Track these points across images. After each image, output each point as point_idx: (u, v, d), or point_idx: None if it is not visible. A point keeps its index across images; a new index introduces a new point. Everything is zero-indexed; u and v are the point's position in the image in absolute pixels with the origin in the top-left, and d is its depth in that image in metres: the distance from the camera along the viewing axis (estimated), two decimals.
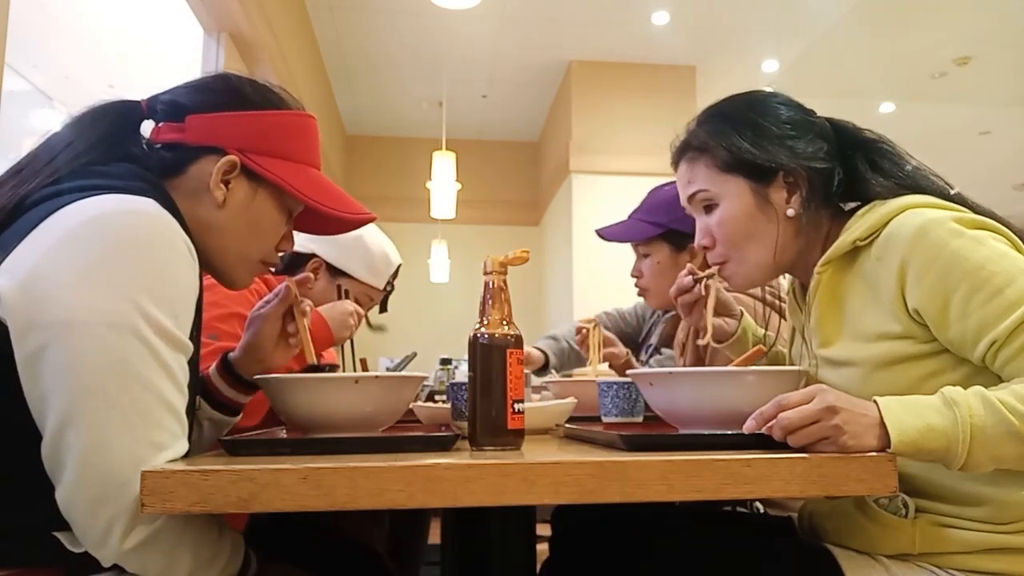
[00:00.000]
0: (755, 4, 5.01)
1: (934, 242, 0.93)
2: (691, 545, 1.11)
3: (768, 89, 1.18)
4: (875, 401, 0.85)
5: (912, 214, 0.97)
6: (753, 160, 1.09)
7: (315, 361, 1.13)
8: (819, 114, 1.16)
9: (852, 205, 1.11)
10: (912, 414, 0.84)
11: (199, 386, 1.05)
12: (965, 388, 0.88)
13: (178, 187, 0.97)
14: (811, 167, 1.09)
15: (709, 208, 1.14)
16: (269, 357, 1.11)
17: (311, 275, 1.18)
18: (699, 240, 1.16)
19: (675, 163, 1.20)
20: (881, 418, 0.83)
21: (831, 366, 1.05)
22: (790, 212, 1.09)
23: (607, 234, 1.82)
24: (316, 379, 0.95)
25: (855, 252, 1.03)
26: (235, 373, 1.11)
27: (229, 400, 1.12)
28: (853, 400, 0.83)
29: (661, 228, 1.75)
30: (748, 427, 0.83)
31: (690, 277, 1.27)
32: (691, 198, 1.16)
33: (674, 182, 1.78)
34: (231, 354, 1.12)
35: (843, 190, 1.11)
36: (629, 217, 1.83)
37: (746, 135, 1.09)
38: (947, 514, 0.95)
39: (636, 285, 1.84)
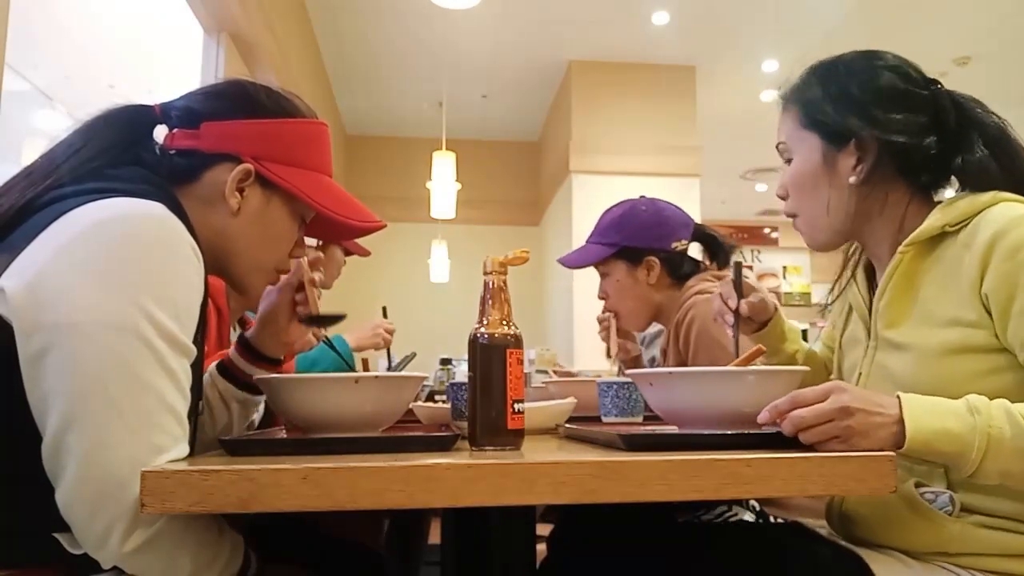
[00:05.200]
0: (755, 4, 5.01)
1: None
2: (689, 543, 1.11)
3: (883, 51, 1.14)
4: (899, 396, 0.84)
5: (1009, 206, 0.97)
6: (825, 121, 1.10)
7: (318, 312, 1.13)
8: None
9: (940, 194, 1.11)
10: (932, 415, 0.84)
11: (202, 388, 1.05)
12: (1022, 389, 0.89)
13: (191, 194, 0.97)
14: (887, 139, 1.05)
15: (788, 160, 1.16)
16: (284, 330, 1.12)
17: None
18: (777, 190, 1.19)
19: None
20: (900, 415, 0.83)
21: (892, 349, 1.04)
22: (851, 180, 1.08)
23: (566, 261, 1.86)
24: (316, 379, 0.96)
25: (939, 238, 1.02)
26: (254, 350, 1.12)
27: (251, 378, 1.12)
28: (869, 399, 0.83)
29: (614, 247, 1.78)
30: (762, 418, 0.83)
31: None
32: (777, 147, 1.18)
33: (626, 201, 1.84)
34: (248, 333, 1.14)
35: (937, 167, 1.07)
36: (587, 241, 1.86)
37: (828, 96, 1.10)
38: (993, 512, 0.94)
39: (605, 308, 1.86)
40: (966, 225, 0.99)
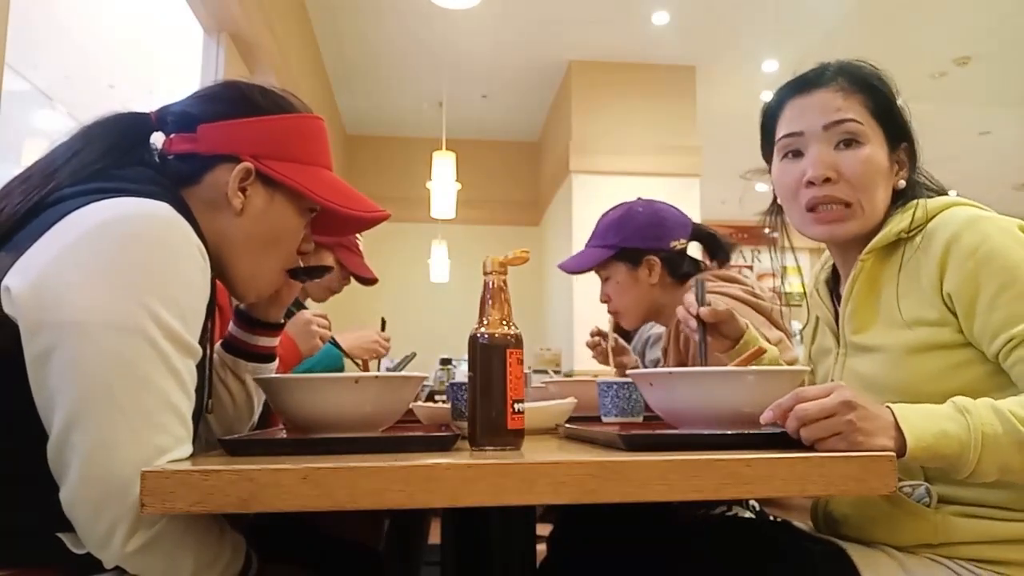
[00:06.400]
0: (755, 4, 5.01)
1: (982, 232, 0.96)
2: (691, 544, 1.11)
3: None
4: (888, 407, 0.85)
5: (961, 209, 1.02)
6: (893, 120, 1.10)
7: (300, 264, 1.12)
8: None
9: None
10: (926, 419, 0.85)
11: (209, 389, 1.05)
12: (992, 381, 0.92)
13: (194, 197, 0.97)
14: (915, 151, 1.12)
15: (846, 143, 1.08)
16: (278, 295, 1.11)
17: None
18: (821, 172, 1.06)
19: (808, 86, 1.12)
20: (896, 422, 0.83)
21: (862, 353, 1.07)
22: (902, 184, 1.11)
23: (566, 267, 1.85)
24: (316, 379, 0.95)
25: (896, 244, 1.06)
26: (252, 318, 1.12)
27: (258, 347, 1.12)
28: (869, 400, 0.83)
29: (613, 249, 1.78)
30: (765, 418, 0.83)
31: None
32: (834, 124, 1.08)
33: (622, 204, 1.82)
34: (241, 305, 1.13)
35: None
36: (585, 246, 1.86)
37: (892, 96, 1.12)
38: (969, 501, 0.96)
39: (608, 311, 1.86)
40: (921, 229, 1.03)
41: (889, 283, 1.05)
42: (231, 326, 1.14)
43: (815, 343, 1.23)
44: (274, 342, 1.15)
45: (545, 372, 5.08)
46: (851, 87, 1.10)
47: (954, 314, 0.97)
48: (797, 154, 1.11)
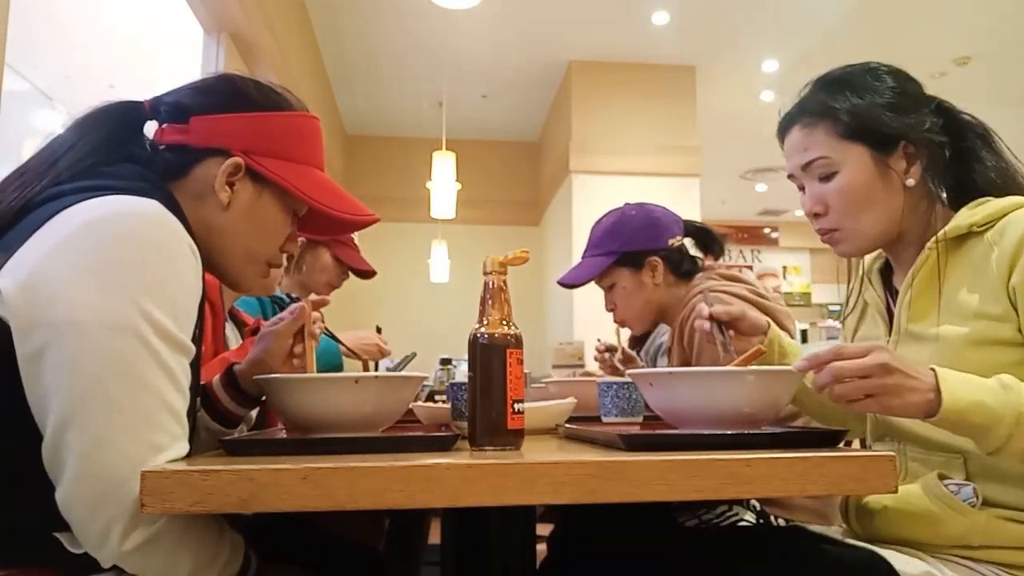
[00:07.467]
0: (755, 4, 5.01)
1: None
2: (692, 544, 1.11)
3: (874, 62, 1.17)
4: (932, 368, 0.86)
5: None
6: (876, 127, 1.09)
7: (284, 262, 1.11)
8: None
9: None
10: (967, 387, 0.85)
11: (200, 388, 1.05)
12: None
13: (182, 189, 0.97)
14: (930, 139, 1.10)
15: (826, 176, 1.12)
16: (274, 372, 1.09)
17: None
18: (811, 207, 1.14)
19: (785, 130, 1.18)
20: (936, 384, 0.84)
21: (917, 341, 1.07)
22: (910, 182, 1.10)
23: (566, 281, 1.83)
24: (316, 379, 0.96)
25: (964, 237, 1.06)
26: (238, 386, 1.10)
27: (229, 412, 1.10)
28: (908, 363, 0.84)
29: (613, 256, 1.77)
30: (798, 366, 0.83)
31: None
32: (807, 166, 1.13)
33: (613, 211, 1.82)
34: (236, 367, 1.11)
35: (954, 169, 1.11)
36: (583, 257, 1.85)
37: (867, 102, 1.10)
38: (1014, 505, 0.96)
39: (614, 320, 1.85)
40: (991, 226, 1.02)
41: (953, 276, 1.05)
42: (215, 380, 1.11)
43: (859, 331, 1.23)
44: (245, 413, 1.13)
45: (568, 367, 5.01)
46: (813, 119, 1.12)
47: (1016, 309, 0.97)
48: (802, 188, 1.18)
